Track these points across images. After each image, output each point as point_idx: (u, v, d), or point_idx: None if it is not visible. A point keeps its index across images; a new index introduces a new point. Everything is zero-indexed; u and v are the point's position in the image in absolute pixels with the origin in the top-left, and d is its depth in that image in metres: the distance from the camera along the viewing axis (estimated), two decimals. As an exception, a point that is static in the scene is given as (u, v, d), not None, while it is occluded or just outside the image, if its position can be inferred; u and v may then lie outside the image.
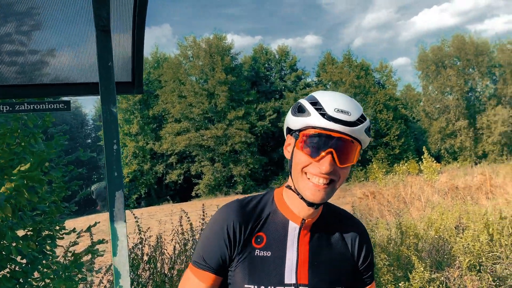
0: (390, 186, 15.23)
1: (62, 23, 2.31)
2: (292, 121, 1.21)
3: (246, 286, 1.20)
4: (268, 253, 1.22)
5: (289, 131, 1.25)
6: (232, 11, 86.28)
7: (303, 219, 1.25)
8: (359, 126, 1.15)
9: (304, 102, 1.20)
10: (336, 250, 1.30)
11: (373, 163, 29.57)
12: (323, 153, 1.14)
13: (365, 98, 40.83)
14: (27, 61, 2.50)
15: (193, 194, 37.84)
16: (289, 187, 1.26)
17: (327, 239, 1.30)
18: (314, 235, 1.28)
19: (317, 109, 1.15)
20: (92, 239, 5.58)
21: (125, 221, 1.48)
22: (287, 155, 1.26)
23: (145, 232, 6.27)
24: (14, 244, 3.56)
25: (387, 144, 40.68)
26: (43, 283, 4.01)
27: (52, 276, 3.98)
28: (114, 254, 1.46)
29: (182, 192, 38.98)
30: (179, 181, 39.00)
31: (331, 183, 1.17)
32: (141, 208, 32.12)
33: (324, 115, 1.14)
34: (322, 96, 1.19)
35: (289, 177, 1.27)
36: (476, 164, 30.50)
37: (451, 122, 42.68)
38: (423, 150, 18.98)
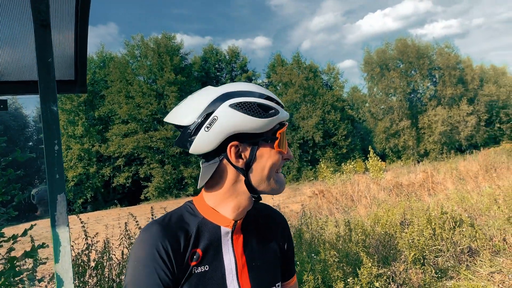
0: (338, 185, 15.64)
1: (-3, 18, 2.16)
2: (255, 124, 1.09)
3: None
4: (206, 267, 1.12)
5: (247, 137, 1.12)
6: (181, 11, 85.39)
7: (235, 221, 1.18)
8: None
9: (258, 100, 1.11)
10: (268, 246, 1.27)
11: (322, 162, 30.28)
12: (287, 145, 1.20)
13: (314, 99, 41.77)
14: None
15: (142, 197, 36.98)
16: (257, 197, 1.18)
17: (257, 237, 1.25)
18: (245, 236, 1.22)
19: (277, 103, 1.16)
20: (33, 244, 5.29)
21: (67, 226, 1.40)
22: (242, 164, 1.13)
23: (92, 237, 6.06)
24: None
25: (335, 144, 41.85)
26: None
27: (-12, 287, 3.73)
28: (56, 260, 1.38)
29: (131, 195, 38.00)
30: (127, 184, 37.97)
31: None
32: (88, 212, 30.94)
33: (282, 107, 1.16)
34: (260, 88, 1.17)
35: (237, 185, 1.16)
36: (418, 162, 32.05)
37: (395, 122, 44.58)
38: (369, 149, 19.68)
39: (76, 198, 37.12)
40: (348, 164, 22.63)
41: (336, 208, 11.74)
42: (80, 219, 6.46)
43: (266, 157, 1.14)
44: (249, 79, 44.90)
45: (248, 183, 1.15)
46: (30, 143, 45.41)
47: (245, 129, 1.09)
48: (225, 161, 1.13)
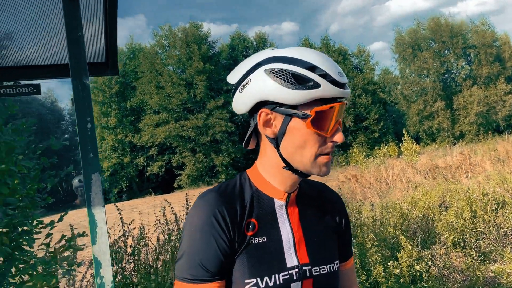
0: (371, 169, 15.34)
1: (27, 3, 2.13)
2: (285, 94, 1.00)
3: (247, 281, 1.05)
4: (264, 239, 1.09)
5: (268, 105, 1.05)
6: (207, 0, 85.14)
7: (288, 193, 1.13)
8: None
9: (296, 68, 1.00)
10: (324, 222, 1.21)
11: (354, 147, 29.83)
12: (336, 125, 1.05)
13: (344, 83, 41.03)
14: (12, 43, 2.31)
15: (175, 185, 37.58)
16: (288, 167, 1.09)
17: (313, 211, 1.20)
18: (301, 210, 1.17)
19: (323, 76, 1.00)
20: (72, 232, 5.41)
21: (103, 206, 1.35)
22: (271, 133, 1.07)
23: (129, 224, 6.15)
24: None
25: (366, 128, 41.11)
26: (20, 280, 3.85)
27: (30, 272, 3.81)
28: (93, 242, 1.33)
29: (164, 184, 38.67)
30: (160, 173, 38.65)
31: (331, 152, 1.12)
32: (123, 201, 31.73)
33: (334, 82, 1.00)
34: (311, 56, 1.03)
35: (273, 156, 1.11)
36: (454, 144, 31.08)
37: (428, 104, 43.33)
38: (403, 132, 19.18)
39: (111, 188, 38.13)
40: (381, 148, 22.19)
41: (370, 192, 11.51)
42: (116, 206, 6.58)
43: (298, 134, 1.04)
44: (278, 65, 44.50)
45: (281, 156, 1.09)
46: (66, 135, 46.79)
47: (275, 97, 1.01)
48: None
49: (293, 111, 1.03)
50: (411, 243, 4.87)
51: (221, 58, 42.36)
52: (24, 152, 3.85)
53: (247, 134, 1.14)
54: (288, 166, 1.09)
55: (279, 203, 1.13)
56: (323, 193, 1.27)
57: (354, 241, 5.13)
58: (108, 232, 5.31)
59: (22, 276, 4.04)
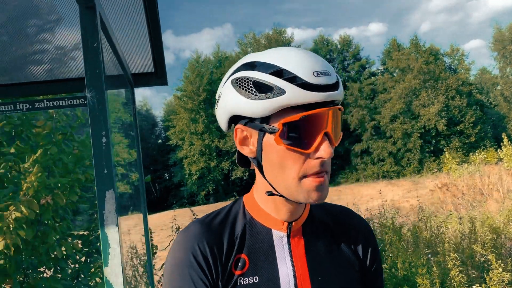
0: (465, 177, 14.11)
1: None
2: (248, 107, 0.84)
3: None
4: (255, 279, 0.91)
5: (242, 119, 0.89)
6: (292, 5, 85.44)
7: (288, 222, 0.94)
8: (340, 84, 0.85)
9: (259, 75, 0.83)
10: (338, 255, 0.99)
11: (446, 152, 27.83)
12: (318, 138, 0.82)
13: (435, 84, 38.59)
14: (51, 58, 2.42)
15: (259, 190, 38.05)
16: (271, 193, 0.92)
17: (325, 243, 0.98)
18: (308, 241, 0.97)
19: (289, 80, 0.80)
20: (151, 237, 5.62)
21: (117, 225, 1.29)
22: (250, 153, 0.91)
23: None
24: (63, 249, 3.57)
25: (461, 132, 38.16)
26: (94, 282, 4.05)
27: (101, 276, 4.00)
28: (105, 264, 1.28)
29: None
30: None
31: (326, 174, 0.87)
32: (210, 204, 32.89)
33: (305, 85, 0.80)
34: (280, 59, 0.84)
35: (261, 179, 0.94)
36: None
37: (534, 105, 39.10)
38: (503, 136, 17.43)
39: (199, 191, 39.74)
40: (477, 154, 20.39)
41: (460, 203, 10.58)
42: (192, 211, 6.74)
43: (274, 152, 0.86)
44: (363, 68, 43.23)
45: (265, 179, 0.91)
46: (159, 141, 49.76)
47: (242, 111, 0.86)
48: None
49: (262, 125, 0.85)
50: (504, 264, 4.31)
51: (304, 62, 42.20)
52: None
53: (236, 152, 0.98)
54: (274, 191, 0.91)
55: (278, 234, 0.95)
56: (343, 220, 1.04)
57: (432, 258, 4.68)
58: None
59: (96, 280, 4.26)
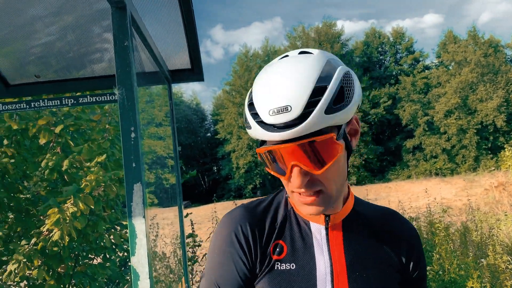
0: (524, 176, 13.31)
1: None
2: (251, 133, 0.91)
3: None
4: (292, 266, 0.94)
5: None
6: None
7: (326, 215, 0.96)
8: (312, 116, 0.78)
9: (245, 106, 0.90)
10: (379, 255, 0.97)
11: (506, 150, 26.30)
12: (289, 169, 0.84)
13: (494, 78, 36.53)
14: (96, 56, 2.53)
15: (306, 184, 37.93)
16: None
17: (366, 240, 0.98)
18: (348, 236, 0.97)
19: (253, 116, 0.85)
20: (193, 228, 5.79)
21: (144, 217, 1.34)
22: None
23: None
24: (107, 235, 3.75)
25: (523, 128, 35.97)
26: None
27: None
28: (133, 253, 1.33)
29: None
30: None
31: (321, 193, 0.87)
32: (257, 197, 33.19)
33: (261, 123, 0.82)
34: (256, 89, 0.86)
35: None
36: None
37: None
38: None
39: (246, 184, 40.15)
40: (540, 151, 19.10)
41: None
42: (235, 204, 6.86)
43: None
44: (416, 61, 41.66)
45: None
46: (208, 134, 50.71)
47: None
48: None
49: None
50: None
51: (354, 55, 41.30)
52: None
53: None
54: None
55: (317, 227, 0.97)
56: (388, 221, 1.03)
57: (483, 261, 4.46)
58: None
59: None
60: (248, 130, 0.88)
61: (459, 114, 36.33)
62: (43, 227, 3.22)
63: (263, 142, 0.90)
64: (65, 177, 3.45)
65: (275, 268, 0.94)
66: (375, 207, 1.06)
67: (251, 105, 0.86)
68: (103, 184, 3.18)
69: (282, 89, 0.81)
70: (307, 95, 0.78)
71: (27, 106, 2.28)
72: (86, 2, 2.26)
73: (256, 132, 0.84)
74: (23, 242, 3.33)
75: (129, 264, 4.44)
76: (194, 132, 47.37)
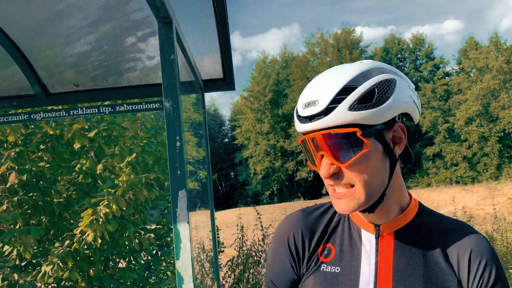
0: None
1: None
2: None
3: None
4: (337, 269, 0.98)
5: None
6: (363, 4, 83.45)
7: (376, 225, 0.98)
8: (335, 111, 0.85)
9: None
10: (433, 268, 0.94)
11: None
12: (317, 159, 0.91)
13: (517, 84, 35.89)
14: (134, 66, 2.62)
15: (323, 191, 37.65)
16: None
17: (420, 253, 0.96)
18: (400, 247, 0.96)
19: (296, 110, 0.95)
20: (218, 234, 5.84)
21: (188, 222, 1.40)
22: None
23: (267, 228, 6.37)
24: (137, 240, 3.84)
25: (547, 136, 35.19)
26: (166, 276, 4.29)
27: (172, 270, 4.23)
28: (177, 257, 1.39)
29: (313, 189, 39.09)
30: (309, 178, 39.22)
31: (352, 187, 0.90)
32: (274, 204, 33.11)
33: (298, 116, 0.93)
34: (302, 92, 0.96)
35: None
36: None
37: None
38: None
39: (264, 190, 40.16)
40: None
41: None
42: (256, 210, 6.87)
43: None
44: (436, 67, 41.21)
45: None
46: (226, 140, 50.98)
47: None
48: None
49: None
50: None
51: (373, 62, 41.20)
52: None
53: None
54: None
55: (367, 234, 0.99)
56: (453, 235, 0.97)
57: (510, 271, 4.40)
58: (247, 236, 5.52)
59: (168, 273, 4.52)
60: (296, 127, 0.98)
61: (480, 122, 35.74)
62: (76, 230, 3.33)
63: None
64: (99, 181, 3.56)
65: (321, 269, 0.99)
66: (442, 218, 1.02)
67: (301, 107, 0.95)
68: (134, 189, 3.28)
69: (316, 86, 0.91)
70: (335, 93, 0.86)
71: (66, 114, 2.38)
72: (121, 13, 2.35)
73: (296, 124, 0.95)
74: (57, 244, 3.45)
75: (153, 268, 4.52)
76: (212, 137, 47.65)
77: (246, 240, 6.08)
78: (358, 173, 0.89)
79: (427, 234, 0.98)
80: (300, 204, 26.82)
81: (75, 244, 3.22)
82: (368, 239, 0.99)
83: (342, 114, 0.85)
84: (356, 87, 0.87)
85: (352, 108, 0.85)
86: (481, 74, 37.35)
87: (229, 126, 52.02)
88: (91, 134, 3.54)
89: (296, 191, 39.19)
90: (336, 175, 0.90)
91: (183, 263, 1.39)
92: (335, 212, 1.06)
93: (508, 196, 13.99)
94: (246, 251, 5.79)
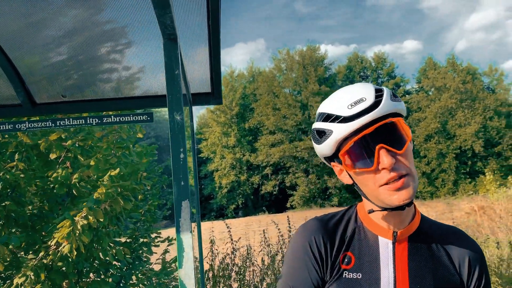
0: (503, 200, 13.70)
1: (152, 40, 2.42)
2: (323, 149, 1.07)
3: None
4: (359, 275, 1.06)
5: (330, 159, 1.11)
6: (327, 22, 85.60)
7: (394, 231, 1.08)
8: (382, 102, 0.98)
9: (317, 125, 1.06)
10: (441, 271, 1.08)
11: (486, 174, 26.95)
12: (376, 154, 0.97)
13: (472, 104, 37.70)
14: (120, 77, 2.65)
15: (288, 205, 37.91)
16: (371, 211, 1.08)
17: (429, 256, 1.09)
18: (413, 251, 1.08)
19: (333, 121, 1.01)
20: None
21: (191, 232, 1.45)
22: (347, 180, 1.11)
23: (236, 241, 6.39)
24: (113, 251, 3.80)
25: (499, 154, 37.00)
26: (139, 288, 4.25)
27: (145, 282, 4.19)
28: (180, 266, 1.43)
29: (278, 203, 39.25)
30: (274, 192, 39.37)
31: (407, 175, 0.99)
32: (238, 218, 32.98)
33: (343, 120, 0.99)
34: (328, 105, 1.05)
35: (364, 200, 1.12)
36: None
37: None
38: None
39: (228, 204, 39.93)
40: (516, 177, 19.69)
41: (499, 227, 10.30)
42: (226, 224, 6.89)
43: (358, 177, 1.05)
44: (397, 86, 42.74)
45: (365, 197, 1.10)
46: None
47: (319, 153, 1.11)
48: None
49: (332, 163, 1.10)
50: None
51: (337, 79, 42.16)
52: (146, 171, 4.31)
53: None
54: (374, 206, 1.07)
55: (384, 241, 1.09)
56: (452, 239, 1.13)
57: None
58: (217, 250, 5.53)
59: (141, 285, 4.46)
60: (321, 145, 1.05)
61: (438, 139, 37.19)
62: (51, 241, 3.26)
63: (332, 158, 1.08)
64: (74, 191, 3.51)
65: (343, 276, 1.06)
66: (440, 225, 1.17)
67: (326, 118, 1.03)
68: (110, 199, 3.26)
69: (354, 90, 1.02)
70: (374, 91, 1.00)
71: (53, 124, 2.37)
72: (96, 24, 2.39)
73: (339, 132, 0.99)
74: (30, 256, 3.36)
75: (123, 282, 4.45)
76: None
77: (218, 254, 6.09)
78: (409, 161, 1.00)
79: (432, 239, 1.11)
80: (264, 218, 26.86)
81: (50, 256, 3.16)
82: (385, 245, 1.08)
83: (388, 104, 0.99)
84: (383, 90, 1.01)
85: (392, 99, 1.00)
86: (439, 93, 39.03)
87: (197, 139, 51.65)
88: (68, 143, 3.50)
89: (261, 205, 39.23)
90: (395, 165, 0.98)
91: (186, 272, 1.43)
92: (348, 220, 1.14)
93: (465, 210, 14.58)
94: (219, 265, 5.80)
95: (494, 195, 16.44)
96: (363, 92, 1.00)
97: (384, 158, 0.96)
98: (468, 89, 38.11)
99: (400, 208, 1.00)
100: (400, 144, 0.99)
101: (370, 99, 0.98)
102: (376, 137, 0.98)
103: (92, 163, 3.48)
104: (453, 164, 36.32)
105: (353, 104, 0.98)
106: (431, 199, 33.89)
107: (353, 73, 43.63)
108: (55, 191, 3.56)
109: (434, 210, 22.64)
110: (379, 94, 0.99)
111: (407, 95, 42.06)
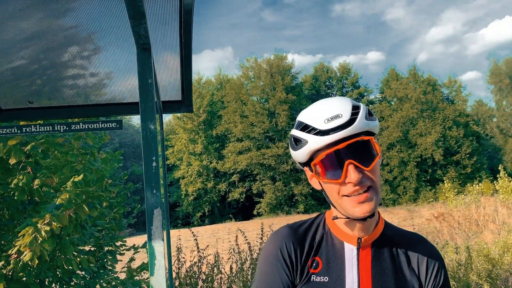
0: (461, 207, 14.26)
1: (120, 47, 2.42)
2: (297, 156, 1.13)
3: None
4: (326, 279, 1.13)
5: (303, 164, 1.17)
6: (293, 32, 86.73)
7: (358, 238, 1.15)
8: (357, 120, 1.05)
9: (295, 132, 1.13)
10: (401, 273, 1.16)
11: (445, 182, 27.93)
12: (344, 169, 1.05)
13: (433, 114, 39.09)
14: (87, 84, 2.63)
15: (255, 212, 37.93)
16: (335, 218, 1.15)
17: (390, 260, 1.17)
18: (375, 256, 1.16)
19: (309, 132, 1.07)
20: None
21: (162, 240, 1.46)
22: (317, 186, 1.18)
23: (204, 250, 6.36)
24: (78, 260, 3.71)
25: (458, 162, 38.48)
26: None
27: (111, 291, 4.11)
28: (152, 273, 1.44)
29: (245, 210, 39.21)
30: (241, 200, 39.32)
31: (370, 189, 1.07)
32: (205, 225, 32.70)
33: (319, 133, 1.05)
34: (307, 115, 1.12)
35: (332, 207, 1.18)
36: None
37: (530, 138, 39.53)
38: (499, 168, 17.64)
39: (195, 212, 39.51)
40: (474, 185, 20.55)
41: (457, 233, 10.71)
42: (192, 232, 6.84)
43: (325, 185, 1.12)
44: (361, 95, 43.79)
45: (330, 203, 1.16)
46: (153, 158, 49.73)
47: (295, 158, 1.17)
48: None
49: (305, 167, 1.16)
50: (499, 293, 4.44)
51: (303, 88, 42.75)
52: (112, 177, 4.24)
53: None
54: (338, 213, 1.14)
55: (349, 247, 1.16)
56: (413, 245, 1.21)
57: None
58: (184, 258, 5.48)
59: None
60: (296, 152, 1.11)
61: (400, 147, 38.28)
62: (11, 250, 3.16)
63: (307, 163, 1.13)
64: (36, 197, 3.41)
65: (311, 280, 1.13)
66: (402, 232, 1.25)
67: (304, 127, 1.09)
68: (74, 205, 3.18)
69: (332, 105, 1.09)
70: (351, 108, 1.07)
71: (19, 131, 2.32)
72: (60, 28, 2.37)
73: (313, 143, 1.06)
74: (-11, 266, 3.23)
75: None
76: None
77: (185, 262, 6.04)
78: (375, 176, 1.07)
79: (394, 244, 1.20)
80: (231, 226, 26.77)
81: (11, 265, 3.06)
82: (350, 251, 1.16)
83: (362, 122, 1.05)
84: (360, 107, 1.08)
85: (367, 118, 1.06)
86: (401, 103, 40.25)
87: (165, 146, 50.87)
88: (28, 147, 3.40)
89: (228, 213, 39.09)
90: (361, 179, 1.05)
91: (157, 279, 1.45)
92: (317, 227, 1.21)
93: (426, 217, 15.06)
94: (185, 273, 5.75)
95: (453, 202, 17.07)
96: (341, 108, 1.06)
97: (351, 173, 1.04)
98: (429, 100, 39.52)
99: (362, 219, 1.08)
100: (369, 161, 1.06)
101: (346, 116, 1.05)
102: (347, 153, 1.04)
103: (56, 164, 3.39)
104: (414, 172, 37.46)
105: (329, 119, 1.05)
106: (393, 206, 34.78)
107: (319, 82, 44.39)
108: (15, 198, 3.44)
109: (397, 216, 23.25)
110: (355, 112, 1.06)
111: (370, 105, 43.09)
